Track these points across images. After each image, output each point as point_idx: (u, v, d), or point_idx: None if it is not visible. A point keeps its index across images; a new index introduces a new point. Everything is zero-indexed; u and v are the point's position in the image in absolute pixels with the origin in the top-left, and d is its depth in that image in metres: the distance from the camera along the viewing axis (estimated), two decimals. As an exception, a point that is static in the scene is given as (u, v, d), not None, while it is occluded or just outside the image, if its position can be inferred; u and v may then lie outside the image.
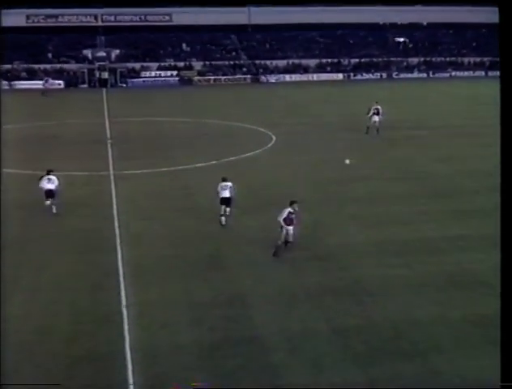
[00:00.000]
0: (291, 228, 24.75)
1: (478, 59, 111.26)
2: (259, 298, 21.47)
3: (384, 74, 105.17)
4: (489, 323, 19.09)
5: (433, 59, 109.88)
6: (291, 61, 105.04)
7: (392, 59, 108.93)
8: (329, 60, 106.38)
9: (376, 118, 50.90)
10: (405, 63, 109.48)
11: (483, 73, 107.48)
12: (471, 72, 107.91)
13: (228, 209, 28.59)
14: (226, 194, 28.51)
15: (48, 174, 30.93)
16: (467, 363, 17.28)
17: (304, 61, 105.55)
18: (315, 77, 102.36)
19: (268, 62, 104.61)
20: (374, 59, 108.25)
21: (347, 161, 18.55)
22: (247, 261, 24.87)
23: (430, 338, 18.74)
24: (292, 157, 43.12)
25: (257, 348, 18.13)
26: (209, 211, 30.69)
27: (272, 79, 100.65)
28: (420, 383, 16.33)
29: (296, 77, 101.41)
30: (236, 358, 17.38)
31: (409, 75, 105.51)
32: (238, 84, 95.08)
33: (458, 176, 37.99)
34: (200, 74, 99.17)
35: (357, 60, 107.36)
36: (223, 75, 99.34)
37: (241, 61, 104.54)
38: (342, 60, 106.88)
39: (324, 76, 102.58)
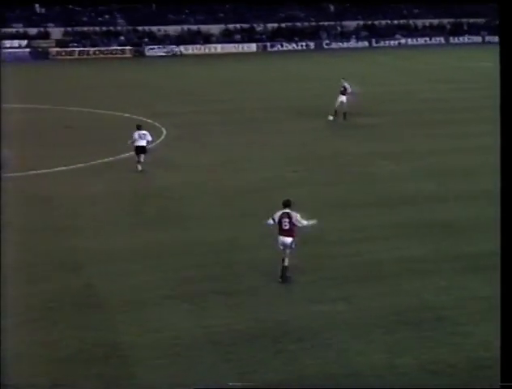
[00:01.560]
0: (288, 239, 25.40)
1: (436, 21, 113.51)
2: (145, 351, 21.43)
3: (311, 44, 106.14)
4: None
5: (376, 23, 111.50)
6: (186, 28, 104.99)
7: (322, 23, 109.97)
8: (238, 25, 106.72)
9: (343, 99, 52.13)
10: (339, 29, 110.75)
11: (442, 39, 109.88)
12: (427, 39, 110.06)
13: (142, 156, 39.79)
14: (142, 143, 39.79)
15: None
16: None
17: (204, 28, 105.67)
18: (219, 49, 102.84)
19: (155, 29, 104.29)
20: (298, 24, 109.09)
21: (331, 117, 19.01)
22: (131, 297, 24.81)
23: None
24: (186, 157, 43.62)
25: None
26: (80, 228, 31.65)
27: (161, 51, 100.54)
28: None
29: (194, 49, 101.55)
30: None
31: (345, 45, 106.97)
32: (114, 59, 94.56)
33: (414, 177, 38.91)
34: (60, 44, 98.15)
35: (276, 25, 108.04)
36: (92, 46, 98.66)
37: (118, 28, 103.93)
38: (255, 25, 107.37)
39: (231, 47, 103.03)
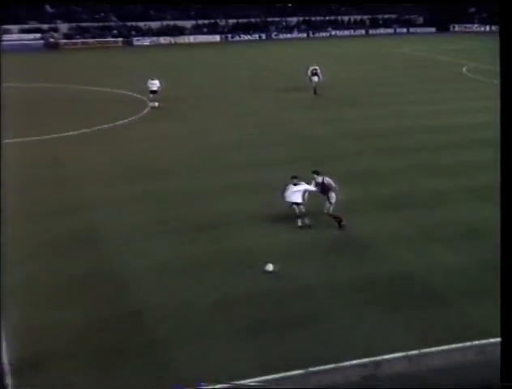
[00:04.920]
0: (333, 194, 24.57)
1: (358, 17, 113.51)
2: (137, 273, 21.31)
3: (263, 35, 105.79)
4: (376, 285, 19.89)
5: (313, 18, 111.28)
6: (165, 23, 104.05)
7: (270, 19, 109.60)
8: (205, 21, 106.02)
9: (315, 79, 53.02)
10: (284, 23, 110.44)
11: (363, 31, 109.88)
12: (352, 31, 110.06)
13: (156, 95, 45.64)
14: (154, 87, 46.32)
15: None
16: (354, 333, 17.62)
17: (179, 23, 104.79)
18: (192, 39, 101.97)
19: (141, 24, 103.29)
20: (252, 20, 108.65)
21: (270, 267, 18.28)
22: (124, 233, 24.68)
23: (316, 304, 19.13)
24: (166, 124, 43.35)
25: (137, 325, 18.06)
26: (82, 180, 31.00)
27: (146, 41, 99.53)
28: (306, 352, 16.68)
29: (171, 40, 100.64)
30: (116, 337, 17.26)
31: (289, 36, 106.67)
32: (109, 48, 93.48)
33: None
34: (67, 37, 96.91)
35: (235, 21, 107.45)
36: (91, 38, 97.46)
37: (111, 23, 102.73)
38: (219, 21, 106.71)
39: (201, 38, 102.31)
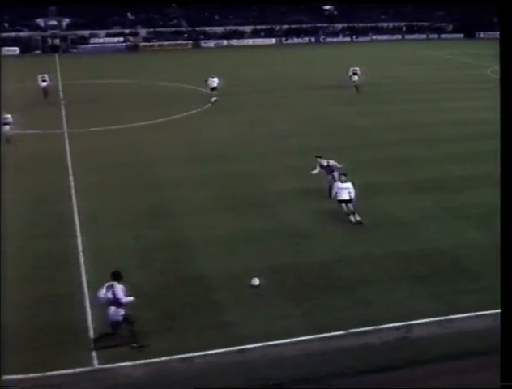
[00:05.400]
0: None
1: (396, 24, 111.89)
2: (203, 242, 21.37)
3: (312, 39, 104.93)
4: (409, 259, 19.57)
5: (356, 25, 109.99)
6: (228, 28, 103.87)
7: (319, 25, 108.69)
8: (263, 26, 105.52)
9: (355, 78, 51.81)
10: (331, 28, 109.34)
11: (400, 36, 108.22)
12: (390, 36, 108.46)
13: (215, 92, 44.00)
14: (214, 84, 45.63)
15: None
16: (389, 299, 17.30)
17: (240, 28, 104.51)
18: (250, 42, 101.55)
19: (207, 29, 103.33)
20: (304, 25, 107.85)
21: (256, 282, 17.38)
22: (192, 209, 24.72)
23: (357, 273, 18.90)
24: (227, 115, 42.95)
25: (202, 288, 18.07)
26: (156, 162, 31.08)
27: (211, 44, 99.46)
28: (347, 313, 16.49)
29: (233, 42, 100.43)
30: (183, 297, 17.30)
31: (335, 39, 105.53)
32: (180, 49, 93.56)
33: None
34: (145, 40, 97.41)
35: (288, 26, 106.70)
36: (166, 41, 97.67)
37: (183, 28, 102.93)
38: (274, 26, 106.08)
39: (259, 41, 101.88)
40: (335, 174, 24.61)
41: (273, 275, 18.80)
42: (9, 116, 36.08)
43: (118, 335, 15.04)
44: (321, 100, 48.69)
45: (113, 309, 14.95)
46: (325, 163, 25.23)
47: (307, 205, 24.68)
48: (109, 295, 14.96)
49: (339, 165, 25.06)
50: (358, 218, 22.65)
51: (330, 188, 24.80)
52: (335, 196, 23.11)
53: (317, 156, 25.61)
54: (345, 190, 22.73)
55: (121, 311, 14.97)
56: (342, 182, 22.96)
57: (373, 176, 28.26)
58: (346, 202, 22.80)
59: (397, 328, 15.67)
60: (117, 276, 15.15)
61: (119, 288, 14.97)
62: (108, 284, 15.11)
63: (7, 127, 35.35)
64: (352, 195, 22.69)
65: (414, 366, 14.34)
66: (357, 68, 52.53)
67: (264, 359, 14.69)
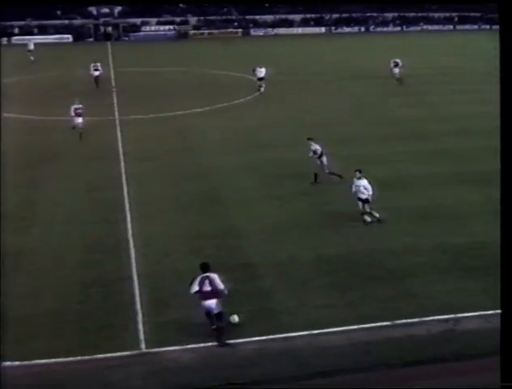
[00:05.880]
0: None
1: (447, 14, 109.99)
2: (251, 230, 21.46)
3: (362, 28, 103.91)
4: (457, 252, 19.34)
5: (406, 14, 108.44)
6: (278, 17, 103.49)
7: (369, 14, 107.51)
8: (313, 15, 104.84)
9: (396, 70, 51.24)
10: (381, 18, 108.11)
11: (451, 27, 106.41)
12: (441, 26, 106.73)
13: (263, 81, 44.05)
14: (261, 74, 44.22)
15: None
16: (436, 291, 17.16)
17: (289, 16, 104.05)
18: (300, 30, 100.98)
19: (257, 17, 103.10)
20: (353, 14, 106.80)
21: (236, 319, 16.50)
22: (240, 196, 24.83)
23: (404, 265, 18.78)
24: (274, 104, 42.93)
25: (249, 274, 18.18)
26: (205, 150, 31.31)
27: (261, 32, 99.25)
28: (393, 304, 16.40)
29: (282, 30, 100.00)
30: (231, 283, 17.40)
31: (385, 29, 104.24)
32: (230, 37, 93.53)
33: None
34: (195, 28, 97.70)
35: (338, 15, 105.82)
36: (216, 29, 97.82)
37: (233, 17, 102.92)
38: (324, 15, 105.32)
39: (308, 30, 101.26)
40: (324, 158, 25.51)
41: (319, 263, 18.83)
42: (81, 105, 34.20)
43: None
44: (364, 91, 48.11)
45: (215, 301, 14.82)
46: (316, 146, 25.73)
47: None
48: (207, 287, 14.81)
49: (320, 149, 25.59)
50: (376, 215, 21.66)
51: (316, 175, 25.63)
52: (355, 193, 21.90)
53: (308, 139, 26.14)
54: (361, 187, 21.59)
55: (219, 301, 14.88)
56: (357, 179, 21.78)
57: (420, 167, 28.01)
58: (363, 201, 21.78)
59: (445, 320, 15.54)
60: (206, 267, 15.09)
61: (217, 278, 14.94)
62: (202, 276, 14.97)
63: (80, 119, 33.61)
64: (370, 193, 21.55)
65: (460, 360, 14.18)
66: (398, 60, 51.69)
67: (309, 347, 14.73)
